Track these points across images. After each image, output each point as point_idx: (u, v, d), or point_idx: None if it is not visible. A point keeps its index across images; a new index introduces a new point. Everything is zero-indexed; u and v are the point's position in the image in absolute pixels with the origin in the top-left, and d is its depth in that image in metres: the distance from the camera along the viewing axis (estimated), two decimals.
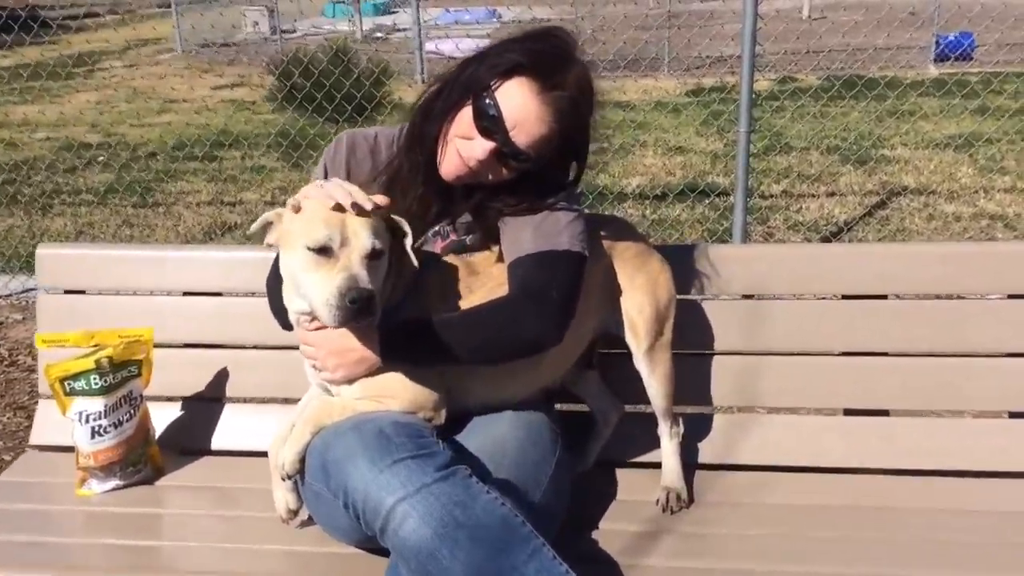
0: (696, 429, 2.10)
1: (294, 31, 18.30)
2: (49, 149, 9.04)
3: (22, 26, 6.49)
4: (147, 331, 2.05)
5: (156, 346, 2.17)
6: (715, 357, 2.12)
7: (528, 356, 1.75)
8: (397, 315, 1.68)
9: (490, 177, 1.75)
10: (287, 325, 1.78)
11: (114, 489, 2.01)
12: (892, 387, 2.07)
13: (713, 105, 8.87)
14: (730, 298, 2.12)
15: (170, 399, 2.24)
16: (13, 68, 11.71)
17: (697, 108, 8.75)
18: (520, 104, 1.67)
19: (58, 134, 9.87)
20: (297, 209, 1.61)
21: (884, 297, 2.07)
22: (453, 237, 1.87)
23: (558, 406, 2.06)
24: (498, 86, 1.69)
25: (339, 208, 1.56)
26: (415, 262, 1.65)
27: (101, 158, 8.41)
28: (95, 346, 1.99)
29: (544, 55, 1.71)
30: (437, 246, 1.87)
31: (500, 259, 1.82)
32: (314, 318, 1.62)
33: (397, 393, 1.66)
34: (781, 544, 1.78)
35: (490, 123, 1.68)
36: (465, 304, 1.76)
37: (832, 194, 6.03)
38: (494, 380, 1.79)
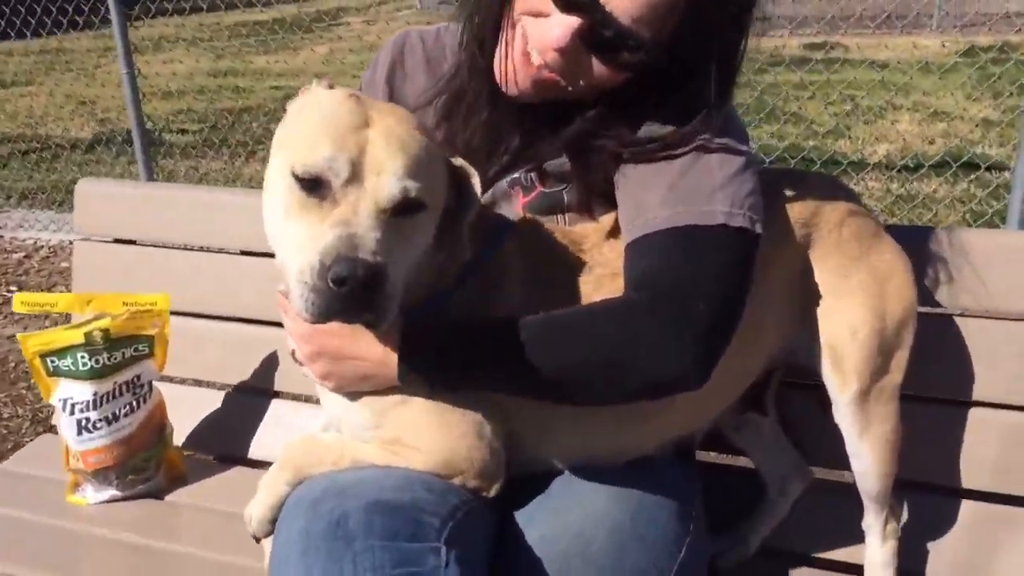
0: (936, 522, 1.37)
1: None
2: (271, 98, 9.27)
3: None
4: (161, 298, 1.55)
5: (203, 316, 1.74)
6: (977, 411, 1.35)
7: (648, 399, 1.06)
8: (440, 311, 1.05)
9: (581, 84, 1.07)
10: None
11: (112, 500, 1.55)
12: None
13: (990, 67, 7.52)
14: (1009, 317, 1.32)
15: (205, 385, 1.77)
16: (267, 22, 12.25)
17: (968, 70, 7.41)
18: None
19: (284, 83, 10.16)
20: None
21: None
22: (541, 189, 1.21)
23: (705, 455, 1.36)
24: None
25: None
26: (467, 246, 1.03)
27: None
28: (92, 315, 1.52)
29: None
30: (517, 202, 1.22)
31: (617, 230, 1.14)
32: None
33: (425, 442, 1.05)
34: None
35: None
36: (557, 299, 1.10)
37: None
38: (590, 427, 1.12)
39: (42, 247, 4.98)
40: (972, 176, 4.77)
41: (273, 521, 1.09)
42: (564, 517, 1.07)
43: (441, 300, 1.08)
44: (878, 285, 1.19)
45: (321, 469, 1.07)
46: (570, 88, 1.07)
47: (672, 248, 1.04)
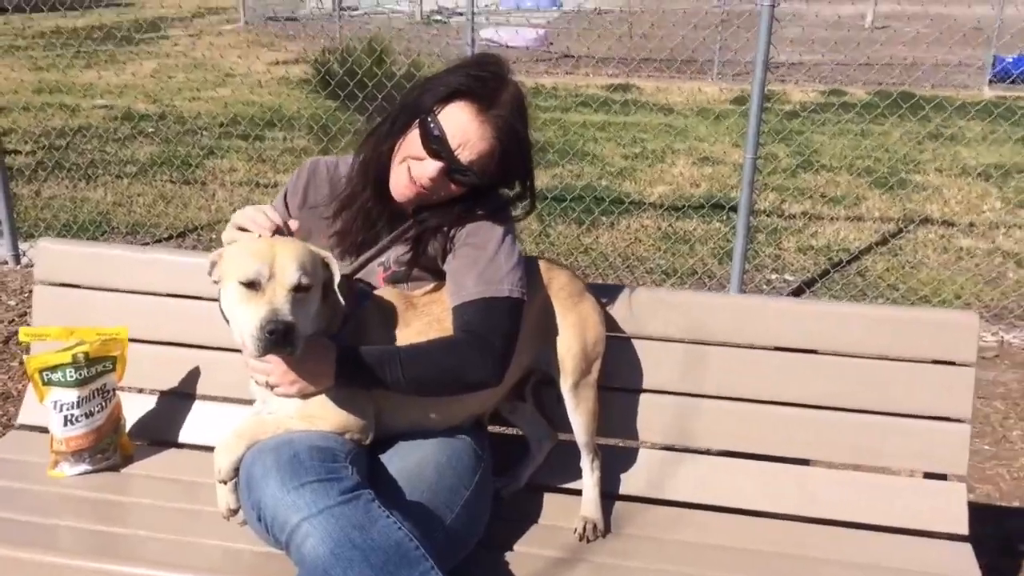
0: (625, 462, 2.21)
1: (357, 8, 18.49)
2: (105, 117, 9.36)
3: None
4: (123, 330, 2.22)
5: (141, 341, 2.35)
6: (648, 395, 2.22)
7: (467, 393, 1.89)
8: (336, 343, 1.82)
9: (442, 194, 1.92)
10: None
11: (83, 473, 2.18)
12: (814, 438, 2.16)
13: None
14: (669, 340, 2.21)
15: (145, 392, 2.41)
16: (86, 29, 12.08)
17: (739, 118, 8.74)
18: (463, 124, 1.84)
19: (116, 102, 10.21)
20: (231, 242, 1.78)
21: (814, 352, 2.15)
22: (394, 268, 2.00)
23: (498, 429, 2.18)
24: (441, 110, 1.86)
25: (275, 231, 1.74)
26: (342, 301, 1.79)
27: (151, 130, 8.70)
28: (75, 342, 2.17)
29: (481, 79, 1.87)
30: (379, 277, 2.01)
31: (436, 291, 1.97)
32: None
33: (328, 415, 1.80)
34: None
35: (437, 144, 1.85)
36: (401, 337, 1.89)
37: (852, 219, 6.03)
38: (422, 407, 1.92)
39: None
40: (721, 215, 5.93)
41: (235, 470, 1.79)
42: (408, 458, 1.86)
43: (336, 336, 1.85)
44: (582, 324, 2.01)
45: (266, 435, 1.78)
46: (434, 197, 1.91)
47: (480, 310, 1.85)
